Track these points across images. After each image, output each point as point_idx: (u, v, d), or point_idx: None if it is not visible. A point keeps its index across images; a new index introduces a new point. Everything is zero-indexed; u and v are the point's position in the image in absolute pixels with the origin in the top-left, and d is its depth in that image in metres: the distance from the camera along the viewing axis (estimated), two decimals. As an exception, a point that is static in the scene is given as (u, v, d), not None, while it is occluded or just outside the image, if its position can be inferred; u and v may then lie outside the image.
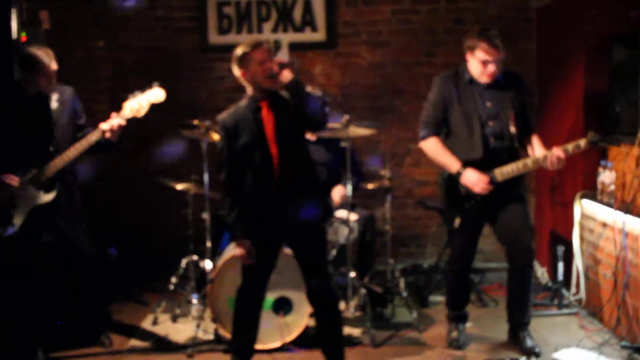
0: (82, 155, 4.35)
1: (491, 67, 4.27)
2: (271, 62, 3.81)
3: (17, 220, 4.23)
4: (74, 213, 4.56)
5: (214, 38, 6.26)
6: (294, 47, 6.23)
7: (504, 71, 4.40)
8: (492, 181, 4.27)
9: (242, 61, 3.84)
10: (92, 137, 4.28)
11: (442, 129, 4.47)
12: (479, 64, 4.29)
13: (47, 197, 4.28)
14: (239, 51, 3.86)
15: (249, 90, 3.90)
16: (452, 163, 4.35)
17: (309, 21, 6.23)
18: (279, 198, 3.86)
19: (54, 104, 4.45)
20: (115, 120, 4.28)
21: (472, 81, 4.38)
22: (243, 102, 3.93)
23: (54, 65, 4.35)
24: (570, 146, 4.18)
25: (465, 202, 4.37)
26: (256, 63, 3.80)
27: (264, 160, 3.83)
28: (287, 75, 3.77)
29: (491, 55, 4.24)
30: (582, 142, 4.15)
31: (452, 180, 4.39)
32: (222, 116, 3.93)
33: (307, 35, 6.25)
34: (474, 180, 4.27)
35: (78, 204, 4.60)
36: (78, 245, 4.55)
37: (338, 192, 5.22)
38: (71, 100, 4.55)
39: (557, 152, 4.19)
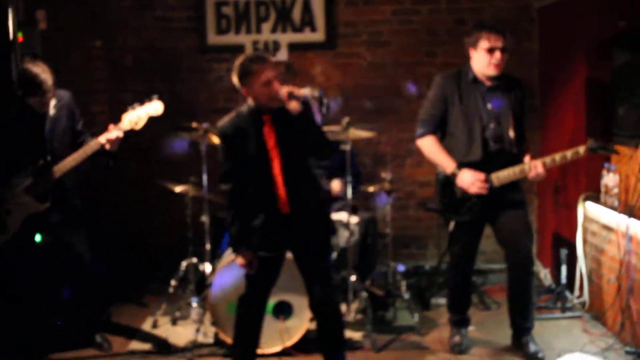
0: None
1: (497, 55, 4.18)
2: (278, 84, 3.68)
3: (12, 227, 4.30)
4: (74, 219, 4.55)
5: (213, 38, 6.19)
6: (293, 47, 6.18)
7: (506, 75, 4.34)
8: (489, 185, 4.22)
9: (246, 77, 3.68)
10: (89, 149, 4.31)
11: (439, 128, 4.41)
12: (485, 54, 4.20)
13: (41, 207, 4.33)
14: (242, 66, 3.69)
15: (250, 101, 3.78)
16: (447, 163, 4.30)
17: (308, 21, 6.17)
18: (282, 215, 3.80)
19: (51, 110, 4.44)
20: (114, 133, 4.30)
21: (475, 81, 4.31)
22: (244, 109, 3.80)
23: (50, 83, 4.29)
24: (557, 156, 4.13)
25: (460, 205, 4.32)
26: (261, 84, 3.65)
27: (266, 176, 3.75)
28: (294, 106, 3.65)
29: (495, 41, 4.18)
30: (581, 150, 4.08)
31: (448, 182, 4.33)
32: (222, 123, 3.82)
33: (307, 36, 6.20)
34: (469, 181, 4.21)
35: (78, 210, 4.59)
36: (76, 250, 4.53)
37: (336, 184, 5.16)
38: (69, 106, 4.53)
39: (538, 167, 4.14)
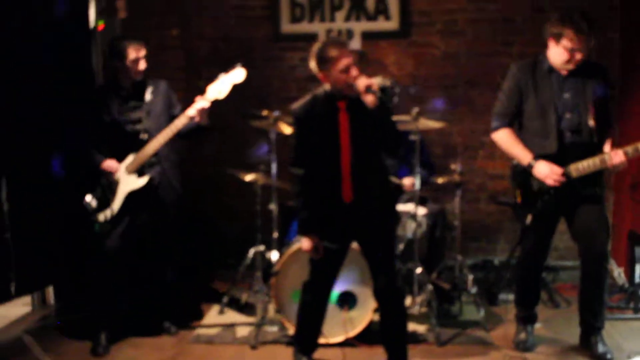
0: (179, 140, 4.55)
1: (578, 56, 4.03)
2: (356, 70, 3.67)
3: (116, 205, 4.49)
4: (171, 198, 4.70)
5: (287, 27, 6.22)
6: (367, 36, 6.15)
7: (587, 61, 4.15)
8: (567, 177, 4.10)
9: (324, 63, 3.68)
10: (179, 122, 4.44)
11: (515, 120, 4.30)
12: (565, 52, 4.04)
13: (140, 182, 4.50)
14: (321, 52, 3.69)
15: (327, 86, 3.78)
16: (523, 155, 4.19)
17: (382, 10, 6.13)
18: (345, 204, 3.80)
19: (148, 95, 4.59)
20: (200, 104, 4.41)
21: (551, 70, 4.18)
22: (320, 94, 3.81)
23: (142, 52, 4.50)
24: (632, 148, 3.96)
25: (537, 198, 4.21)
26: (340, 70, 3.65)
27: (333, 163, 3.76)
28: (371, 100, 3.63)
29: (579, 43, 3.99)
30: None
31: (524, 174, 4.23)
32: (296, 105, 3.83)
33: (380, 24, 6.15)
34: (546, 172, 4.10)
35: (176, 189, 4.74)
36: (167, 230, 4.70)
37: (408, 180, 5.11)
38: (165, 92, 4.67)
39: (620, 156, 3.98)
